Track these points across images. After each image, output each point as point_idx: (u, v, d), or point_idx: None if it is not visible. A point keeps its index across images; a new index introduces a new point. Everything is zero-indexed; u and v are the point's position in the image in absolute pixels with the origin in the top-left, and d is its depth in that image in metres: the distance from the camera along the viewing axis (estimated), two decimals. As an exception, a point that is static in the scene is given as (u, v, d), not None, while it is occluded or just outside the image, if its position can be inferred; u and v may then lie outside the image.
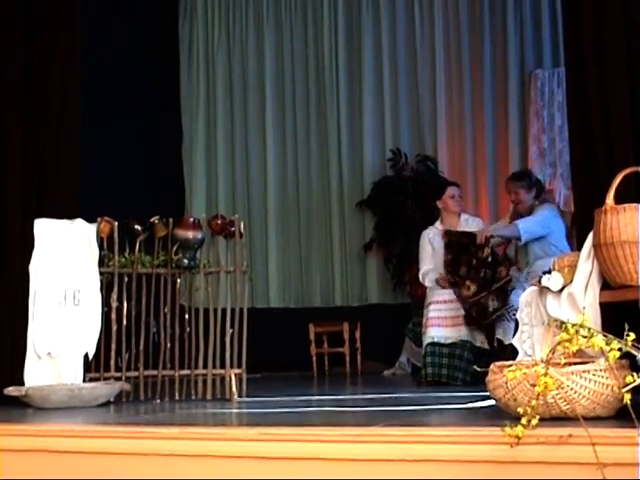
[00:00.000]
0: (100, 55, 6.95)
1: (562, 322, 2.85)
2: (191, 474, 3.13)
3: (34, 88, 5.38)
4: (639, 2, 4.17)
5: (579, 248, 3.87)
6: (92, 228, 5.03)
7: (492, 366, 3.13)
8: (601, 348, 2.67)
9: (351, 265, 8.21)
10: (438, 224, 6.45)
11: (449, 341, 5.93)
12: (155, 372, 5.10)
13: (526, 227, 6.08)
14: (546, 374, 2.71)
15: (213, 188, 8.59)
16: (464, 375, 5.73)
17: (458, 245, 6.05)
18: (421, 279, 6.40)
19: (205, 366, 5.09)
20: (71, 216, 5.07)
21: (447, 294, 6.07)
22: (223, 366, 5.08)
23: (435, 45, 8.19)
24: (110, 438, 3.35)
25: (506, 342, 5.55)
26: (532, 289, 3.96)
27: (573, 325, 2.73)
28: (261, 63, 8.59)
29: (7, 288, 5.08)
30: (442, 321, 6.11)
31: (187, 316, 5.13)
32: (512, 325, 5.46)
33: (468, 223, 6.41)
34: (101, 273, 5.01)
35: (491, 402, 3.29)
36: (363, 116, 8.27)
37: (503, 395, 2.99)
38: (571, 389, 2.84)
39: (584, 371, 2.86)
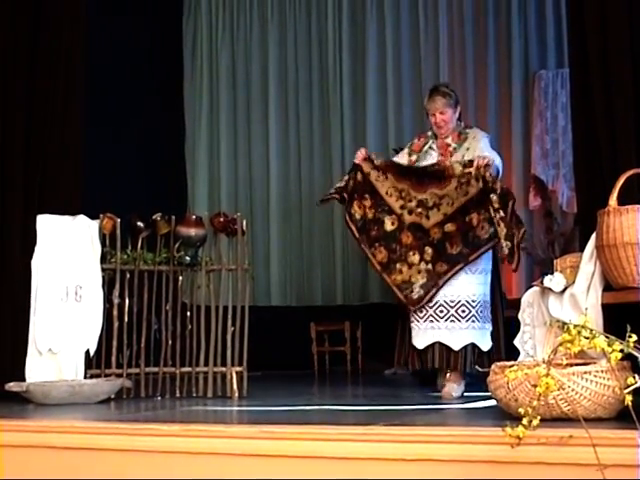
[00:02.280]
0: (103, 53, 6.94)
1: (564, 323, 2.85)
2: (191, 472, 3.13)
3: (38, 86, 5.40)
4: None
5: (582, 249, 3.87)
6: (94, 224, 5.04)
7: (493, 366, 3.13)
8: (603, 349, 2.67)
9: (353, 264, 8.20)
10: None
11: None
12: (156, 369, 5.10)
13: (498, 161, 4.99)
14: (547, 375, 2.71)
15: (215, 186, 8.58)
16: None
17: None
18: None
19: (206, 364, 5.09)
20: (74, 212, 5.07)
21: None
22: (224, 364, 5.09)
23: (439, 44, 8.17)
24: (111, 435, 3.36)
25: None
26: (534, 289, 3.96)
27: (575, 326, 2.73)
28: (264, 62, 8.58)
29: (9, 284, 5.09)
30: None
31: (188, 313, 5.14)
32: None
33: None
34: (103, 270, 5.02)
35: (492, 402, 3.29)
36: (366, 115, 8.26)
37: (504, 395, 2.99)
38: (572, 390, 2.84)
39: (585, 372, 2.86)
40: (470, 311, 4.70)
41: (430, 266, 4.73)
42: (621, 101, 4.18)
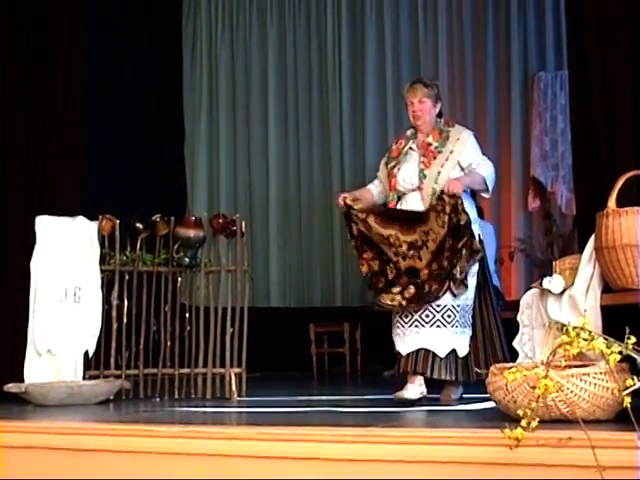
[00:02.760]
0: (103, 54, 6.94)
1: (563, 325, 2.85)
2: (190, 473, 3.13)
3: (37, 86, 5.40)
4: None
5: (581, 251, 3.87)
6: (93, 226, 5.04)
7: (492, 368, 3.13)
8: (601, 351, 2.67)
9: (352, 265, 8.18)
10: None
11: None
12: (155, 370, 5.10)
13: (488, 172, 4.71)
14: (546, 376, 2.71)
15: (215, 187, 8.58)
16: None
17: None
18: None
19: (205, 365, 5.10)
20: (73, 213, 5.07)
21: None
22: (223, 365, 5.09)
23: (438, 46, 8.18)
24: (109, 436, 3.35)
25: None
26: (533, 291, 3.96)
27: (574, 328, 2.73)
28: (264, 62, 8.59)
29: (8, 285, 5.09)
30: None
31: (187, 315, 5.14)
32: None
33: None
34: (102, 271, 5.02)
35: (491, 404, 3.29)
36: (365, 115, 8.27)
37: (503, 397, 2.99)
38: (571, 392, 2.84)
39: (584, 374, 2.86)
40: (455, 316, 4.53)
41: (405, 303, 4.54)
42: (620, 103, 4.19)
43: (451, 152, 4.68)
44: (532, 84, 7.96)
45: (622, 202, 3.57)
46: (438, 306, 4.52)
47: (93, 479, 3.29)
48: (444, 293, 4.49)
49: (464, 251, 4.49)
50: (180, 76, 8.63)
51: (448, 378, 4.53)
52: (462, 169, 4.69)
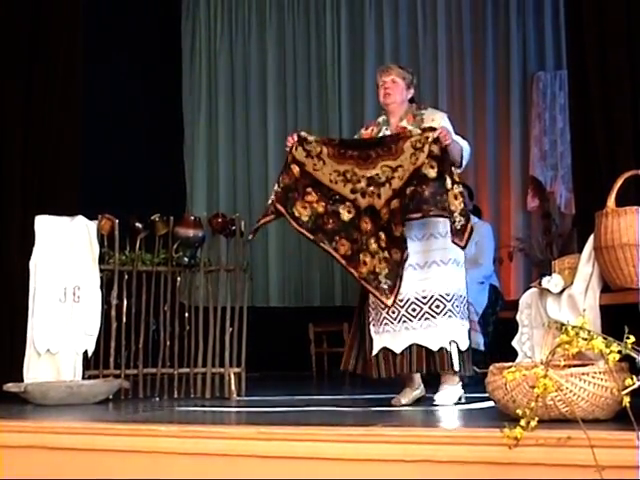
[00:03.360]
0: (101, 53, 6.94)
1: (562, 324, 2.85)
2: (190, 472, 3.13)
3: (35, 86, 5.40)
4: (642, 5, 4.18)
5: (580, 250, 3.87)
6: (93, 225, 5.04)
7: (492, 367, 3.13)
8: (601, 350, 2.67)
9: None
10: None
11: None
12: (154, 370, 5.10)
13: (466, 147, 4.42)
14: (545, 376, 2.71)
15: (214, 186, 8.59)
16: None
17: None
18: None
19: (204, 364, 5.10)
20: (72, 213, 5.07)
21: None
22: (222, 364, 5.09)
23: (437, 46, 8.19)
24: (109, 435, 3.35)
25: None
26: (532, 291, 3.96)
27: (573, 327, 2.73)
28: (263, 62, 8.59)
29: (7, 284, 5.10)
30: None
31: (187, 314, 5.14)
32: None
33: (476, 228, 6.34)
34: (101, 270, 5.02)
35: (490, 403, 3.29)
36: (365, 115, 8.26)
37: (502, 396, 2.99)
38: (570, 391, 2.84)
39: (583, 373, 2.86)
40: (444, 305, 4.22)
41: (387, 253, 4.20)
42: (619, 102, 4.19)
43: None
44: (531, 84, 7.96)
45: (621, 202, 3.57)
46: (424, 297, 4.24)
47: (92, 479, 3.30)
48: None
49: (455, 189, 4.11)
50: (179, 76, 8.63)
51: (445, 369, 4.24)
52: None
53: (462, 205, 4.10)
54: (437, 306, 4.24)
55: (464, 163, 4.38)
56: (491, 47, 8.13)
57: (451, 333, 4.25)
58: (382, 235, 4.21)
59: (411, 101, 4.60)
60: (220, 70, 8.67)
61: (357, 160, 4.32)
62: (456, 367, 4.25)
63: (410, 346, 4.26)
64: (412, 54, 8.26)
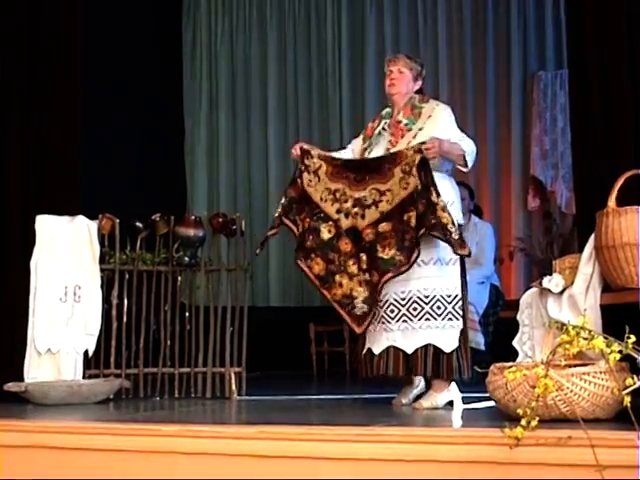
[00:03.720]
0: (102, 52, 6.94)
1: (563, 324, 2.85)
2: (190, 472, 3.13)
3: (36, 86, 5.40)
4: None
5: (580, 250, 3.87)
6: (93, 225, 5.03)
7: (492, 367, 3.13)
8: (601, 350, 2.67)
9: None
10: None
11: None
12: (155, 370, 5.10)
13: (469, 149, 4.24)
14: (546, 376, 2.71)
15: (214, 186, 8.59)
16: None
17: None
18: None
19: (205, 364, 5.10)
20: (72, 213, 5.07)
21: None
22: (223, 364, 5.09)
23: (438, 45, 8.19)
24: (109, 435, 3.35)
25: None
26: (533, 290, 3.96)
27: (574, 327, 2.73)
28: (264, 62, 8.59)
29: (8, 284, 5.09)
30: None
31: (187, 314, 5.14)
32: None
33: (477, 228, 6.33)
34: (102, 270, 5.02)
35: (491, 403, 3.29)
36: (365, 115, 8.25)
37: (503, 396, 2.99)
38: (571, 391, 2.84)
39: (584, 373, 2.86)
40: (423, 308, 4.09)
41: (367, 276, 4.11)
42: (620, 102, 4.19)
43: (420, 129, 4.28)
44: (532, 83, 7.96)
45: (622, 201, 3.57)
46: (402, 299, 4.13)
47: (93, 479, 3.29)
48: (383, 286, 4.06)
49: (440, 202, 3.99)
50: (180, 75, 8.63)
51: (419, 373, 4.14)
52: None
53: (450, 215, 4.00)
54: (414, 308, 4.13)
55: (470, 163, 4.25)
56: (492, 47, 8.13)
57: (428, 336, 4.10)
58: (363, 257, 4.13)
59: (419, 93, 4.48)
60: (221, 69, 8.68)
61: (351, 181, 4.26)
62: (428, 372, 4.13)
63: (388, 348, 4.18)
64: (412, 53, 8.22)
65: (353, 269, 4.15)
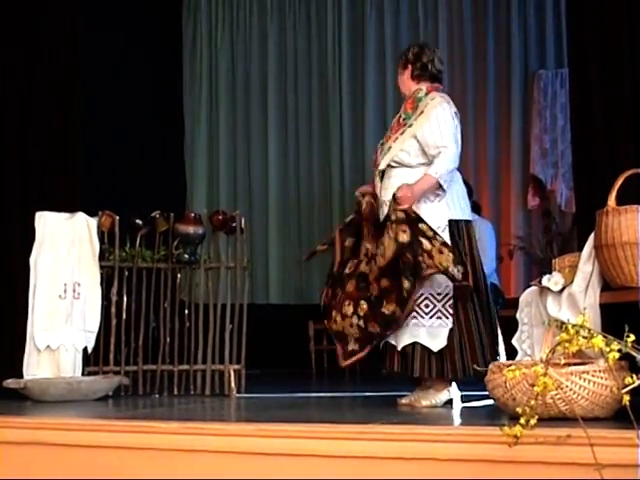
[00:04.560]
0: (103, 53, 6.94)
1: (562, 322, 2.85)
2: (189, 469, 3.13)
3: (36, 85, 5.40)
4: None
5: (580, 249, 3.87)
6: (93, 222, 5.04)
7: (491, 365, 3.13)
8: (601, 349, 2.67)
9: (351, 263, 8.20)
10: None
11: None
12: (154, 367, 5.11)
13: (443, 168, 4.07)
14: (545, 374, 2.71)
15: (214, 184, 8.59)
16: None
17: None
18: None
19: (204, 361, 5.10)
20: (72, 209, 5.07)
21: None
22: (222, 361, 5.09)
23: (438, 44, 8.17)
24: (108, 432, 3.36)
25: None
26: (532, 289, 3.96)
27: (573, 326, 2.73)
28: (264, 62, 8.58)
29: (7, 281, 5.10)
30: None
31: (187, 311, 5.14)
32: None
33: (477, 226, 6.31)
34: (101, 267, 5.02)
35: (490, 401, 3.29)
36: (365, 114, 8.27)
37: (502, 395, 2.99)
38: (570, 390, 2.84)
39: (583, 372, 2.86)
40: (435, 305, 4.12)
41: (362, 322, 4.13)
42: (620, 101, 4.19)
43: (410, 125, 4.22)
44: (532, 82, 7.95)
45: (622, 200, 3.57)
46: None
47: (92, 477, 3.30)
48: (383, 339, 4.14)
49: (436, 243, 4.00)
50: (180, 74, 8.63)
51: (406, 372, 4.13)
52: (419, 143, 4.17)
53: (451, 254, 3.97)
54: (426, 305, 4.13)
55: (445, 184, 4.11)
56: (492, 45, 8.12)
57: (414, 335, 4.10)
58: (363, 305, 4.14)
59: (432, 78, 4.40)
60: (221, 68, 8.67)
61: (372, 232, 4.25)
62: (416, 373, 4.12)
63: (385, 344, 4.20)
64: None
65: (347, 310, 4.18)
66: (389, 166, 4.26)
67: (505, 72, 8.08)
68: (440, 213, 4.18)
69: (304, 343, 7.78)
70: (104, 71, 6.98)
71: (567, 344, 2.72)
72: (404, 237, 4.01)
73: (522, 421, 2.62)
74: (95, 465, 3.29)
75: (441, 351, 4.09)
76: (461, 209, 4.25)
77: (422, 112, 4.22)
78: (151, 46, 8.06)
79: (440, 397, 4.15)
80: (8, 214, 5.22)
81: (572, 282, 3.73)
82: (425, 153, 4.17)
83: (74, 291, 4.92)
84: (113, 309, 5.02)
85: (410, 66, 4.40)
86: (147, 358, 5.11)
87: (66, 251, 4.94)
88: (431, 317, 4.12)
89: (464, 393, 4.36)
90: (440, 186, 4.12)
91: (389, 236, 4.05)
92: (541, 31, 7.96)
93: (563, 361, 2.85)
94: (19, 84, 5.35)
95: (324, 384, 6.69)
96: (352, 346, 4.19)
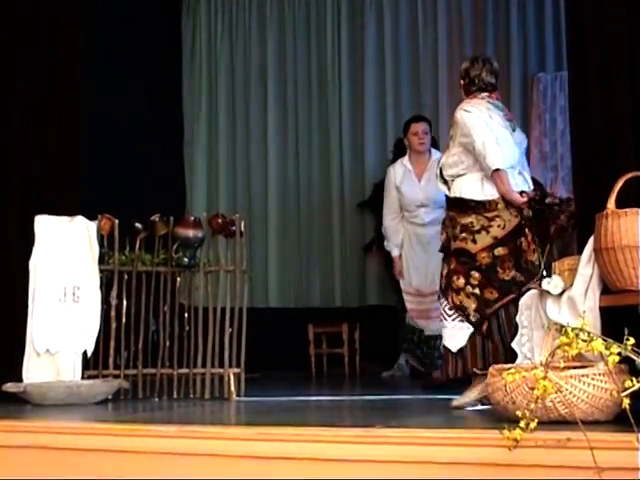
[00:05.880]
0: (102, 52, 6.93)
1: (562, 326, 2.85)
2: (189, 473, 3.13)
3: (36, 86, 5.40)
4: (642, 7, 4.17)
5: (580, 252, 3.87)
6: (93, 225, 5.03)
7: (491, 369, 3.13)
8: (600, 352, 2.67)
9: (351, 266, 8.20)
10: (406, 160, 6.55)
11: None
12: (154, 370, 5.10)
13: (491, 158, 4.48)
14: (545, 377, 2.71)
15: (214, 187, 8.58)
16: None
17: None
18: (384, 232, 6.28)
19: (204, 365, 5.09)
20: (72, 213, 5.07)
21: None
22: (222, 365, 5.09)
23: (438, 46, 8.18)
24: (108, 436, 3.36)
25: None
26: (532, 292, 3.96)
27: (573, 329, 2.73)
28: (263, 62, 8.58)
29: (7, 284, 5.09)
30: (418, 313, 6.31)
31: (186, 315, 5.14)
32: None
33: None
34: (101, 270, 5.02)
35: (490, 405, 3.29)
36: (365, 116, 8.26)
37: (502, 398, 2.99)
38: (570, 393, 2.84)
39: (583, 375, 2.86)
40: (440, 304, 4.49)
41: (477, 290, 4.34)
42: (619, 104, 4.19)
43: (451, 137, 4.59)
44: (532, 85, 7.95)
45: (621, 203, 3.57)
46: (432, 293, 4.53)
47: (91, 479, 3.29)
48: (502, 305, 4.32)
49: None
50: (179, 76, 8.63)
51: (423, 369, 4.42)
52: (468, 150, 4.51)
53: (541, 256, 4.29)
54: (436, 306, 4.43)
55: (503, 166, 4.46)
56: (491, 48, 8.11)
57: (442, 334, 4.38)
58: (475, 274, 4.35)
59: (481, 90, 4.65)
60: (220, 69, 8.66)
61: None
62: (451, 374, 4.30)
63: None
64: (412, 53, 8.26)
65: (459, 283, 4.36)
66: None
67: (504, 75, 8.05)
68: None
69: (304, 346, 7.78)
70: (103, 73, 6.97)
71: (567, 347, 2.73)
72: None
73: (522, 424, 2.62)
74: (95, 469, 3.29)
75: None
76: None
77: (453, 123, 4.59)
78: (150, 47, 8.05)
79: (469, 397, 4.12)
80: (7, 218, 5.21)
81: (572, 285, 3.73)
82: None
83: (74, 295, 4.92)
84: (113, 313, 5.01)
85: (462, 82, 4.67)
86: (147, 362, 5.11)
87: (66, 255, 4.94)
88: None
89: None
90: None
91: (510, 209, 4.39)
92: (540, 34, 7.96)
93: (563, 364, 2.85)
94: (19, 87, 5.34)
95: (324, 387, 6.68)
96: (475, 317, 4.30)
